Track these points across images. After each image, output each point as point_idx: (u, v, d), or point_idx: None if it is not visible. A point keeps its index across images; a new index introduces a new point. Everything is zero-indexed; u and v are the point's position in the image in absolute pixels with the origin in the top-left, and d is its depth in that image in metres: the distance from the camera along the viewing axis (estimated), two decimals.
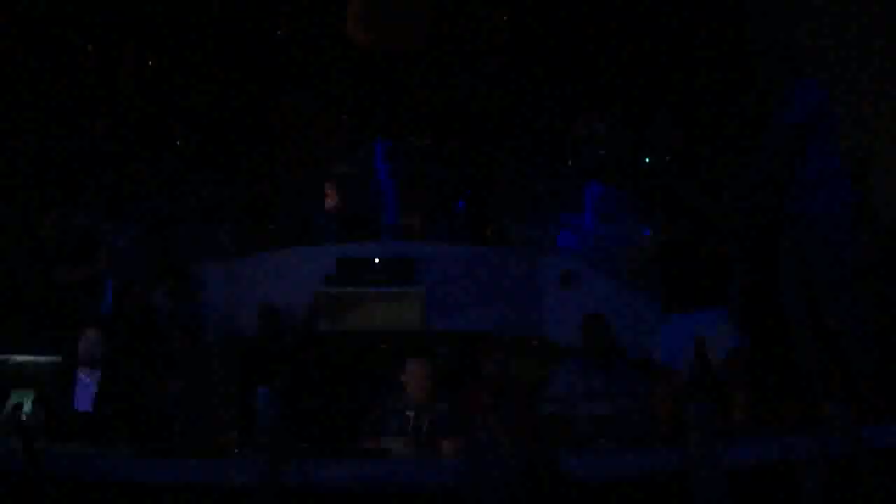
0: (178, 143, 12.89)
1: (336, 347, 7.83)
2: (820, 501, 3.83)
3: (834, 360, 5.01)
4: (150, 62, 14.95)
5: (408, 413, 5.49)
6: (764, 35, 10.65)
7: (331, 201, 9.61)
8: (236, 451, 4.84)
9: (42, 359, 6.38)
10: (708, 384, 5.29)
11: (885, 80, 8.85)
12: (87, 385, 6.36)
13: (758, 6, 11.31)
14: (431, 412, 5.49)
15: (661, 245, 5.95)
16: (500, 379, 6.19)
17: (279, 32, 14.90)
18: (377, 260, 8.00)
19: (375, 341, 8.20)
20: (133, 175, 11.85)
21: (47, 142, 12.21)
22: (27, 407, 5.65)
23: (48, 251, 7.71)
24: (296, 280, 8.43)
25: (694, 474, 3.60)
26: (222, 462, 4.44)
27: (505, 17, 14.10)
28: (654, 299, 6.81)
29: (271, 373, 6.88)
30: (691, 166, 10.51)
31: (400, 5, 11.01)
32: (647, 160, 11.26)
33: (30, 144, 11.92)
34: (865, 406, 4.59)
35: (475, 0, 13.25)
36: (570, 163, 11.25)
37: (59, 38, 13.02)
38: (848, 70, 9.06)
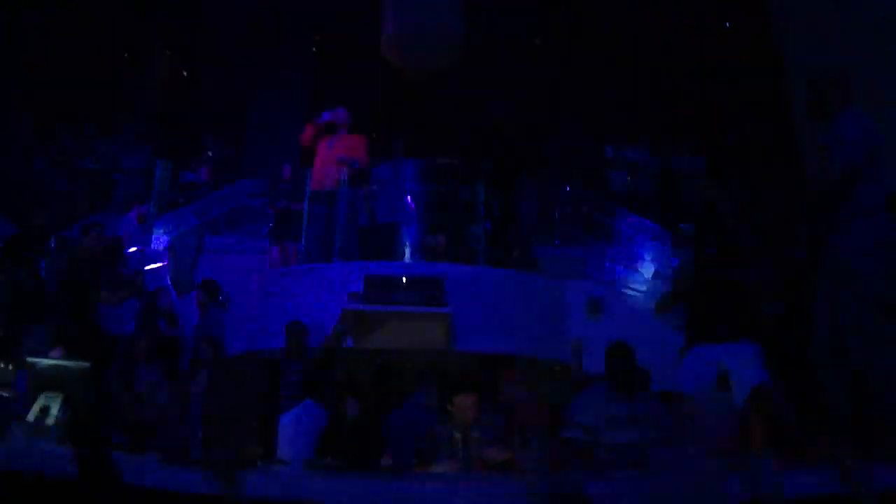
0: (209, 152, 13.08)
1: (363, 365, 7.86)
2: None
3: (859, 401, 5.01)
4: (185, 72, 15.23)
5: (455, 435, 5.59)
6: (805, 64, 10.62)
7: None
8: (259, 463, 4.92)
9: (70, 363, 6.45)
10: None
11: None
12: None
13: (793, 31, 11.28)
14: (477, 431, 5.60)
15: (688, 276, 5.96)
16: (522, 403, 6.24)
17: (315, 49, 15.10)
18: (405, 279, 8.03)
19: (401, 360, 8.24)
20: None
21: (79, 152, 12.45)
22: (54, 410, 5.74)
23: (88, 266, 7.81)
24: (323, 297, 8.49)
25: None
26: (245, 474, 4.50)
27: (538, 42, 14.22)
28: (680, 329, 6.82)
29: (304, 387, 6.95)
30: (723, 198, 10.52)
31: (433, 28, 11.12)
32: (677, 189, 11.26)
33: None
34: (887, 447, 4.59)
35: (509, 24, 13.33)
36: (598, 188, 11.27)
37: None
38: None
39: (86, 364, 6.65)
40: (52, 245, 9.45)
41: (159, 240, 11.07)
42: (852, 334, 4.95)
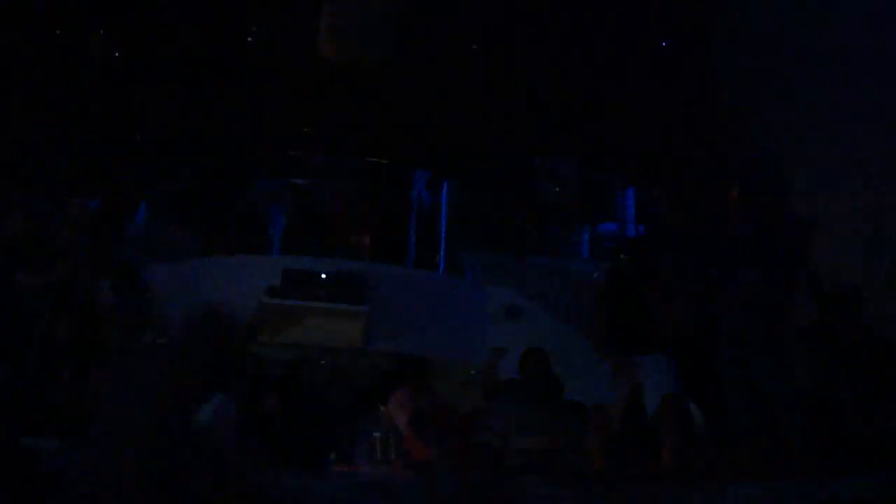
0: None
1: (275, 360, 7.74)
2: None
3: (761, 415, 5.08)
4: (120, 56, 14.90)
5: (375, 434, 5.52)
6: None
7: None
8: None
9: None
10: (640, 427, 5.36)
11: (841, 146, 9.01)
12: None
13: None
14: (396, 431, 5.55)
15: (606, 288, 5.99)
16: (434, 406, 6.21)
17: (250, 39, 14.90)
18: (324, 275, 7.92)
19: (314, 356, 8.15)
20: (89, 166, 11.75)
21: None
22: None
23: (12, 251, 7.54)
24: (240, 289, 8.35)
25: None
26: None
27: (474, 47, 14.22)
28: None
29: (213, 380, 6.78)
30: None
31: (369, 21, 11.05)
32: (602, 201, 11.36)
33: None
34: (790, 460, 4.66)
35: (446, 27, 13.31)
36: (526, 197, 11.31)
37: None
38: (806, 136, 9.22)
39: None
40: None
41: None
42: (753, 351, 5.03)
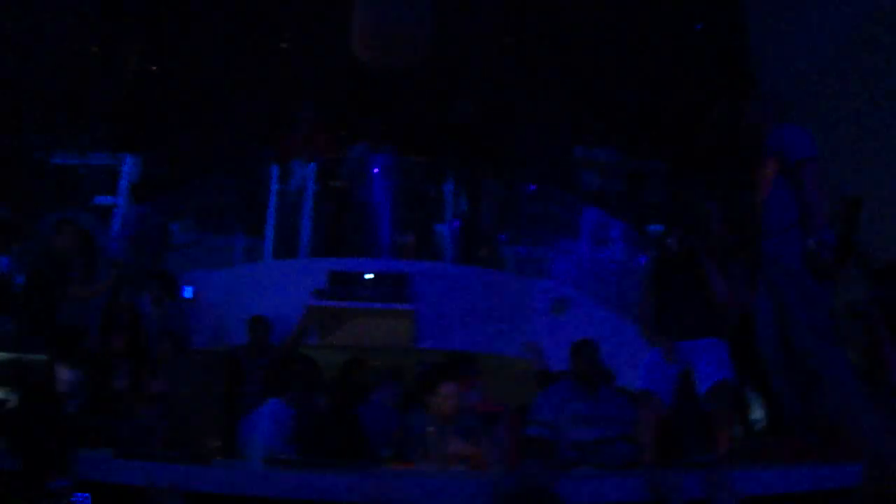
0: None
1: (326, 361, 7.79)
2: None
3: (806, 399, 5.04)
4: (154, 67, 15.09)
5: (429, 429, 5.53)
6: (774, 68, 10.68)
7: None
8: (218, 458, 4.85)
9: (29, 357, 6.36)
10: (692, 414, 5.32)
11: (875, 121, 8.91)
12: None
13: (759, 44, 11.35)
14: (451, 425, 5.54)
15: (654, 272, 5.94)
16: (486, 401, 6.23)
17: (283, 45, 15.00)
18: (369, 275, 7.95)
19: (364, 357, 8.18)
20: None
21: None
22: (11, 404, 5.64)
23: (60, 263, 7.68)
24: (286, 292, 8.41)
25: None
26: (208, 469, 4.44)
27: (507, 41, 14.21)
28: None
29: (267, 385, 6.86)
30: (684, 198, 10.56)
31: (402, 22, 11.06)
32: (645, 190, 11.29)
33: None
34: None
35: (479, 22, 13.30)
36: (567, 188, 11.26)
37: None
38: (843, 111, 9.12)
39: (42, 358, 6.57)
40: (24, 240, 9.26)
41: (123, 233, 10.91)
42: (798, 330, 4.98)
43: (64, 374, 6.22)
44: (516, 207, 10.20)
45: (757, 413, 6.10)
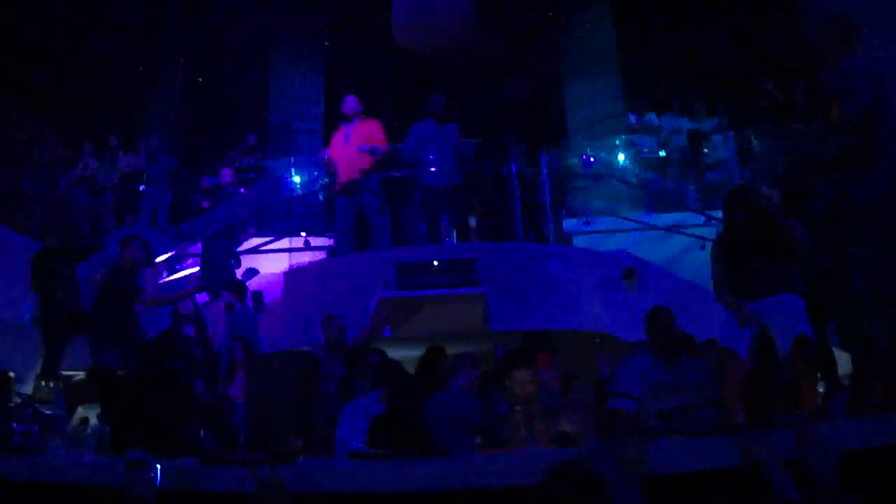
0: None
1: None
2: None
3: None
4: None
5: (517, 409, 5.54)
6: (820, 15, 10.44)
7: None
8: (301, 457, 4.91)
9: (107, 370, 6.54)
10: (774, 374, 5.23)
11: None
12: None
13: None
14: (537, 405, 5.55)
15: (724, 234, 5.86)
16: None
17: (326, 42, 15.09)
18: (436, 262, 7.95)
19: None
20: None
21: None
22: (93, 421, 5.77)
23: (129, 276, 7.85)
24: (355, 286, 8.47)
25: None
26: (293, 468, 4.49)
27: (551, 14, 14.10)
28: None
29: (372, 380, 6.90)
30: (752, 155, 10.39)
31: (444, 8, 11.04)
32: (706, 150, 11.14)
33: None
34: None
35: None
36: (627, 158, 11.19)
37: None
38: None
39: (120, 373, 6.71)
40: (91, 259, 9.46)
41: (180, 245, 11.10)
42: (890, 277, 4.87)
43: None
44: (576, 180, 10.15)
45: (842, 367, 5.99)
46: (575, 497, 3.22)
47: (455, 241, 9.22)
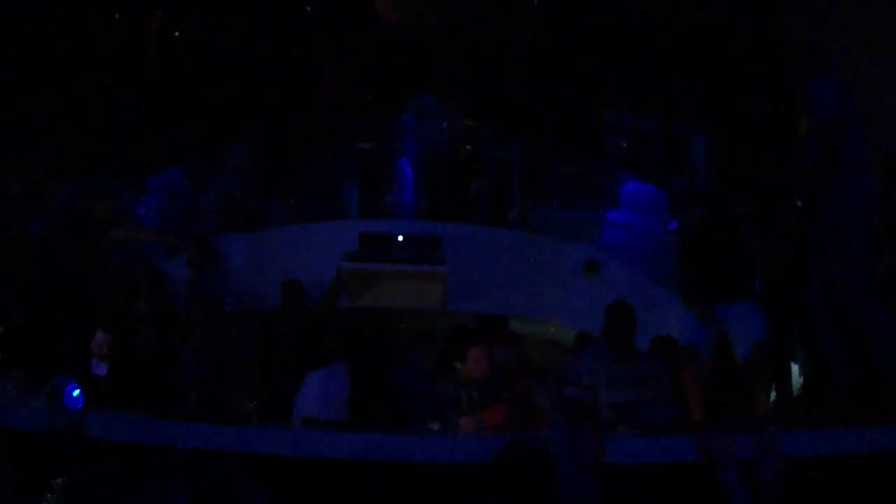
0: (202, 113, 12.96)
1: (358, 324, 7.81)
2: None
3: (857, 358, 5.02)
4: (176, 33, 15.07)
5: (461, 394, 5.55)
6: (796, 33, 10.55)
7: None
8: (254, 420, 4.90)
9: None
10: (731, 377, 5.30)
11: None
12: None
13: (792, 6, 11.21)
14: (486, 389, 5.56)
15: (686, 237, 5.91)
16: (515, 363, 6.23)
17: (308, 7, 14.93)
18: (401, 237, 7.92)
19: (394, 319, 8.19)
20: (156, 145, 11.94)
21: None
22: None
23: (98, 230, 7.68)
24: (317, 255, 8.41)
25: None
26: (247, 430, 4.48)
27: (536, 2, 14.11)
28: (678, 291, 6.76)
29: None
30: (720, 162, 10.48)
31: None
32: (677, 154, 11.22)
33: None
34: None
35: None
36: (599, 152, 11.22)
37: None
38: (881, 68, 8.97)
39: None
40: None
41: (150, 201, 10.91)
42: (844, 290, 4.95)
43: (98, 337, 6.27)
44: (547, 170, 10.13)
45: (795, 376, 6.09)
46: (524, 475, 3.24)
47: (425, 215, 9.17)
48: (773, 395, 5.50)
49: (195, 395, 6.50)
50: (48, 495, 3.41)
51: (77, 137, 12.48)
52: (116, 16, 14.80)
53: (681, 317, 5.65)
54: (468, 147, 9.80)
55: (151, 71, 14.69)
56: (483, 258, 8.40)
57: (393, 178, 9.59)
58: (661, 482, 3.99)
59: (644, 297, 7.98)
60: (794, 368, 6.10)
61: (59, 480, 3.49)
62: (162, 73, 14.59)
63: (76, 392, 4.02)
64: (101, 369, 6.50)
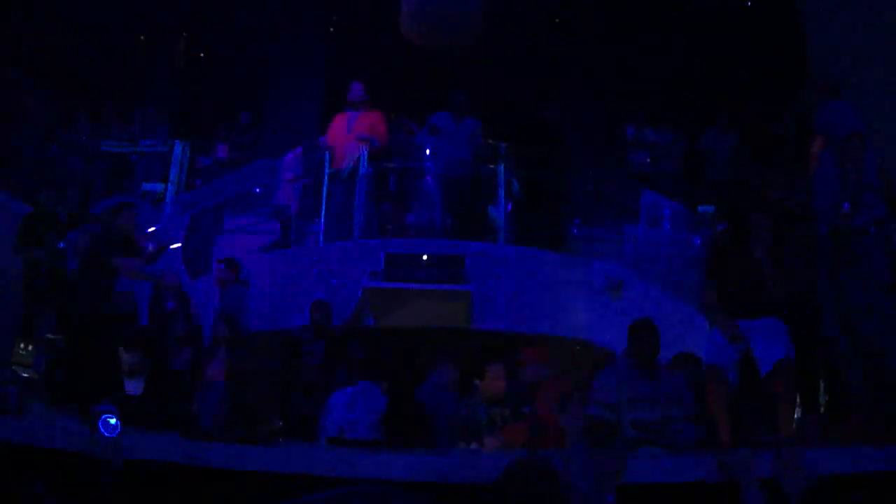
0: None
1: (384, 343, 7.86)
2: None
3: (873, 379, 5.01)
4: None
5: (479, 415, 5.59)
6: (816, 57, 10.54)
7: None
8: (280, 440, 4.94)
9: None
10: (754, 395, 5.29)
11: None
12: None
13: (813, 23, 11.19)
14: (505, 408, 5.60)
15: (710, 254, 5.92)
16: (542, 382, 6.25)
17: (332, 28, 15.06)
18: (425, 257, 7.98)
19: (419, 338, 8.23)
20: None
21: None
22: None
23: (118, 243, 7.77)
24: (343, 275, 8.48)
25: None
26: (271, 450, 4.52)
27: (557, 20, 14.14)
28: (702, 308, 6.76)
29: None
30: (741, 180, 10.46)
31: (452, 4, 11.07)
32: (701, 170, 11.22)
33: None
34: None
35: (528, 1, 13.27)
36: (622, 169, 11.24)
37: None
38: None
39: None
40: (83, 227, 9.37)
41: (175, 220, 11.03)
42: (859, 312, 4.96)
43: (124, 356, 6.32)
44: (571, 188, 10.16)
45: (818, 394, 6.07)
46: (526, 495, 3.27)
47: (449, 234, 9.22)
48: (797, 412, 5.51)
49: (222, 413, 6.56)
50: None
51: None
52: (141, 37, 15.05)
53: (705, 333, 5.65)
54: (490, 165, 9.80)
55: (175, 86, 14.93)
56: (507, 277, 8.45)
57: (416, 197, 9.65)
58: (684, 501, 4.00)
59: (668, 313, 7.99)
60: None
61: None
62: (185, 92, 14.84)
63: (113, 420, 4.09)
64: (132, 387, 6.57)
